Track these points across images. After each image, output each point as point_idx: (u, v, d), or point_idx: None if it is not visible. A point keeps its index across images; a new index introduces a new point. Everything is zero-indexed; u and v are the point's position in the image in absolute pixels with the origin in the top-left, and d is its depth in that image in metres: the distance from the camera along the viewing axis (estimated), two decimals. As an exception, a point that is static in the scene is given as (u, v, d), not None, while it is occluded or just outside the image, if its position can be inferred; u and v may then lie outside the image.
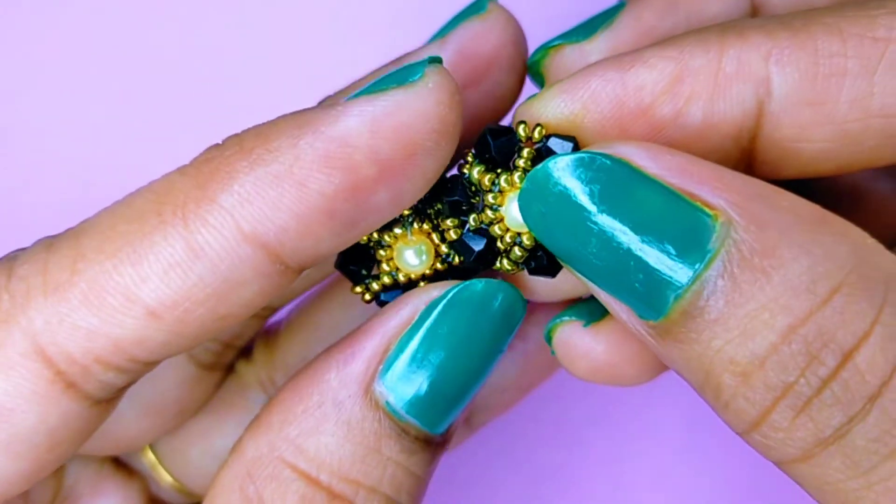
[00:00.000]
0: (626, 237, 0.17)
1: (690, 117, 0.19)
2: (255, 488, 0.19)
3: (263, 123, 0.19)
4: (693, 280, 0.16)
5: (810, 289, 0.16)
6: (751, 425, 0.17)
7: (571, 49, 0.23)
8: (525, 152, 0.20)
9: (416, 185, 0.19)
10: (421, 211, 0.21)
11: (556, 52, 0.23)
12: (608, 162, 0.18)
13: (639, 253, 0.17)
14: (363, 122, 0.18)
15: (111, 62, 0.35)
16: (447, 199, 0.21)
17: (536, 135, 0.20)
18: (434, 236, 0.21)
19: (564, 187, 0.18)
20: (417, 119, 0.18)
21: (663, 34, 0.22)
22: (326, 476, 0.19)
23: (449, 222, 0.21)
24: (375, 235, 0.21)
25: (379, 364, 0.20)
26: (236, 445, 0.20)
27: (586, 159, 0.18)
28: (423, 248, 0.21)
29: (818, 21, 0.19)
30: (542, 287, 0.23)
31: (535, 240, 0.20)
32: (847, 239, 0.17)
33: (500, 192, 0.20)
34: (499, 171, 0.20)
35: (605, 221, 0.17)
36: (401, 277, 0.22)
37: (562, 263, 0.19)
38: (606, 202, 0.17)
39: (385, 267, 0.22)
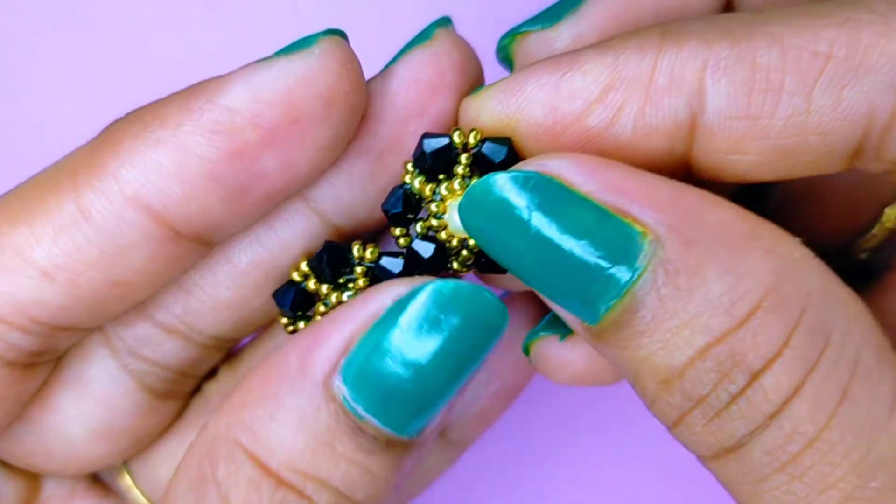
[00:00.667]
0: (561, 252, 0.18)
1: (622, 127, 0.19)
2: (210, 466, 0.19)
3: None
4: (622, 295, 0.17)
5: (729, 310, 0.17)
6: (671, 424, 0.18)
7: (537, 36, 0.22)
8: (463, 158, 0.20)
9: (308, 154, 0.19)
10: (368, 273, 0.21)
11: (522, 39, 0.23)
12: (541, 180, 0.18)
13: (572, 267, 0.18)
14: (246, 89, 0.19)
15: (111, 61, 0.35)
16: (390, 211, 0.21)
17: (472, 140, 0.20)
18: None
19: (500, 205, 0.18)
20: (300, 85, 0.19)
21: (629, 20, 0.22)
22: (276, 463, 0.19)
23: (397, 231, 0.21)
24: (320, 286, 0.21)
25: (340, 358, 0.19)
26: (203, 426, 0.20)
27: (520, 178, 0.18)
28: None
29: (761, 31, 0.19)
30: (504, 279, 0.23)
31: None
32: (773, 255, 0.17)
33: (442, 199, 0.20)
34: (441, 177, 0.20)
35: (541, 237, 0.18)
36: None
37: None
38: (541, 220, 0.18)
39: (321, 308, 0.22)
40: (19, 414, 0.23)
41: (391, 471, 0.20)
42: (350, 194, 0.22)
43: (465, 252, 0.21)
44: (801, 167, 0.19)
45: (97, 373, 0.23)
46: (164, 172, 0.19)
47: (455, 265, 0.21)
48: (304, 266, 0.22)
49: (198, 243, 0.21)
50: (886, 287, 0.24)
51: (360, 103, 0.20)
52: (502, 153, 0.20)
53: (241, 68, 0.19)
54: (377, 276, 0.21)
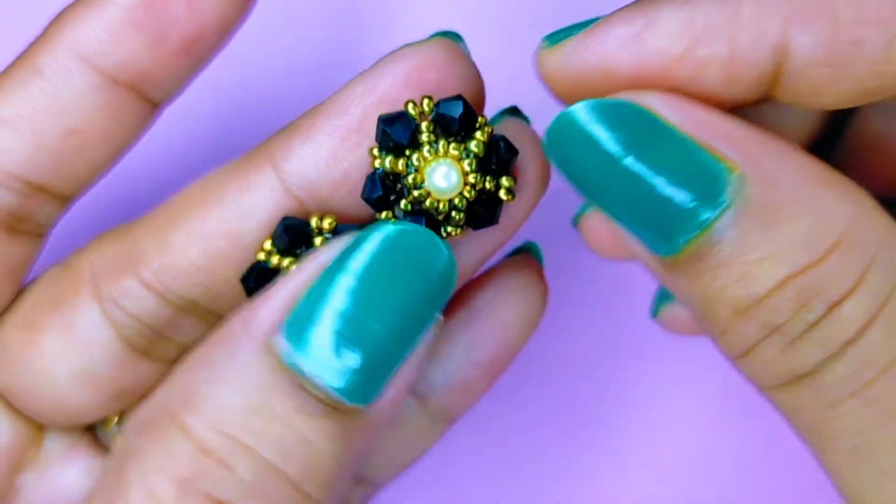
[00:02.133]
0: (646, 184, 0.18)
1: (706, 79, 0.19)
2: (134, 440, 0.19)
3: None
4: (705, 227, 0.18)
5: (811, 245, 0.18)
6: (742, 354, 0.19)
7: None
8: (424, 126, 0.20)
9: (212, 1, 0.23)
10: None
11: None
12: (633, 110, 0.19)
13: (658, 198, 0.18)
14: None
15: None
16: (371, 197, 0.20)
17: (426, 107, 0.20)
18: None
19: (588, 134, 0.19)
20: None
21: None
22: (203, 428, 0.18)
23: (383, 215, 0.21)
24: (282, 260, 0.22)
25: (284, 314, 0.19)
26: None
27: (610, 107, 0.19)
28: None
29: None
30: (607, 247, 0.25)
31: (466, 198, 0.20)
32: (848, 199, 0.18)
33: (417, 170, 0.20)
34: (408, 152, 0.20)
35: (628, 166, 0.18)
36: None
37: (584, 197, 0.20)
38: (630, 149, 0.18)
39: None
40: (9, 296, 0.25)
41: (336, 444, 0.19)
42: (315, 171, 0.22)
43: (454, 214, 0.20)
44: (881, 97, 0.20)
45: (82, 320, 0.24)
46: (95, 25, 0.23)
47: (449, 229, 0.20)
48: (267, 245, 0.22)
49: (136, 95, 0.23)
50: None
51: None
52: (458, 108, 0.20)
53: None
54: None
